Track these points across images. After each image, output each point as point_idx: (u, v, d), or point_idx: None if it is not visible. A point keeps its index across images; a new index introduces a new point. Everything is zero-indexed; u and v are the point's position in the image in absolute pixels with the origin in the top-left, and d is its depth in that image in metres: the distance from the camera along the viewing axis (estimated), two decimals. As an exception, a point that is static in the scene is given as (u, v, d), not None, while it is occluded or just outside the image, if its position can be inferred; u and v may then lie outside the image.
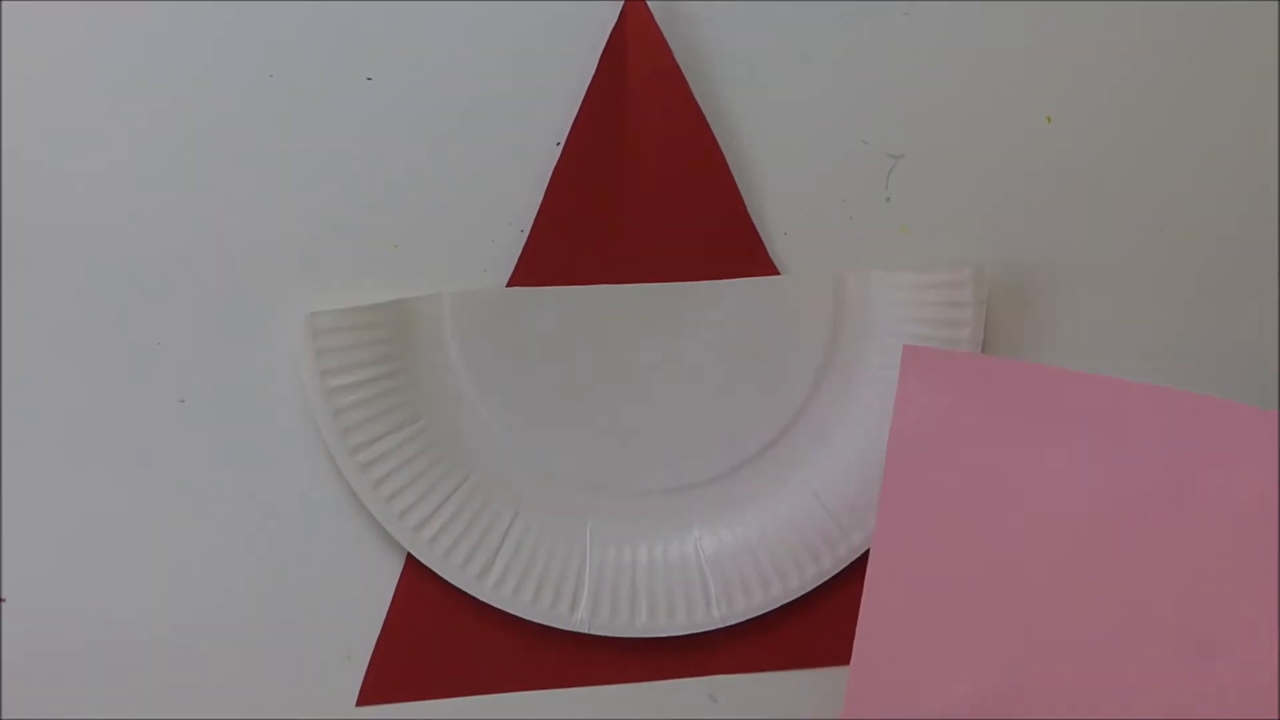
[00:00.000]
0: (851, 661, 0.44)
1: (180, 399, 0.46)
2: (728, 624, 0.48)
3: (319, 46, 0.46)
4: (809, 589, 0.48)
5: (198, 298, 0.46)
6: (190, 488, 0.47)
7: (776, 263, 0.49)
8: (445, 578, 0.47)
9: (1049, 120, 0.50)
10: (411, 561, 0.47)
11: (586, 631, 0.47)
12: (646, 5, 0.46)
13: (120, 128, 0.46)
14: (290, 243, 0.47)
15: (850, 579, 0.49)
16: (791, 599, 0.48)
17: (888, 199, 0.49)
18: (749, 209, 0.48)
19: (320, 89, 0.47)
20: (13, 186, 0.45)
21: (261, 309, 0.47)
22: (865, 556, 0.48)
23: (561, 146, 0.47)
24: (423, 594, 0.48)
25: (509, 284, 0.47)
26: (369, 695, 0.48)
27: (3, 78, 0.45)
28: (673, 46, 0.46)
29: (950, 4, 0.49)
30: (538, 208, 0.47)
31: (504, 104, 0.47)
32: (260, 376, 0.47)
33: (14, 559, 0.46)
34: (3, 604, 0.45)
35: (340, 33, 0.47)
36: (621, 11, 0.46)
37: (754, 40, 0.48)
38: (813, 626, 0.49)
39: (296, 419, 0.47)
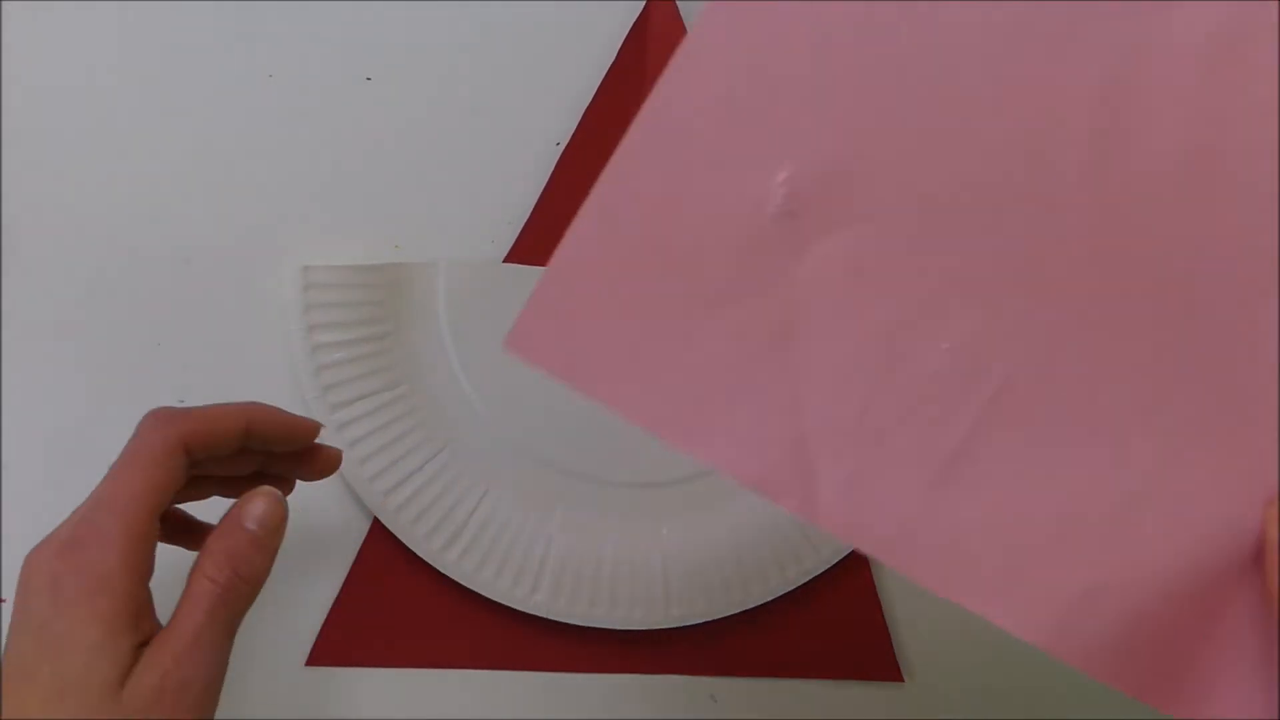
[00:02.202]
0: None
1: (180, 399, 0.46)
2: (684, 624, 0.47)
3: (319, 46, 0.47)
4: (771, 598, 0.47)
5: (198, 298, 0.46)
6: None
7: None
8: (409, 546, 0.46)
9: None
10: (377, 526, 0.47)
11: (545, 616, 0.47)
12: (675, 5, 0.46)
13: (121, 128, 0.46)
14: (291, 242, 0.47)
15: (836, 588, 0.48)
16: (752, 606, 0.47)
17: (887, 199, 0.49)
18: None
19: (320, 89, 0.47)
20: (13, 186, 0.45)
21: (262, 309, 0.47)
22: (835, 567, 0.47)
23: (562, 147, 0.47)
24: (385, 561, 0.47)
25: (505, 260, 0.47)
26: (319, 656, 0.47)
27: (3, 78, 0.45)
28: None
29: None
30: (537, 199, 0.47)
31: (504, 104, 0.47)
32: (259, 377, 0.47)
33: (14, 559, 0.46)
34: (2, 604, 0.45)
35: (340, 33, 0.47)
36: (644, 10, 0.46)
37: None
38: (788, 636, 0.49)
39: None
